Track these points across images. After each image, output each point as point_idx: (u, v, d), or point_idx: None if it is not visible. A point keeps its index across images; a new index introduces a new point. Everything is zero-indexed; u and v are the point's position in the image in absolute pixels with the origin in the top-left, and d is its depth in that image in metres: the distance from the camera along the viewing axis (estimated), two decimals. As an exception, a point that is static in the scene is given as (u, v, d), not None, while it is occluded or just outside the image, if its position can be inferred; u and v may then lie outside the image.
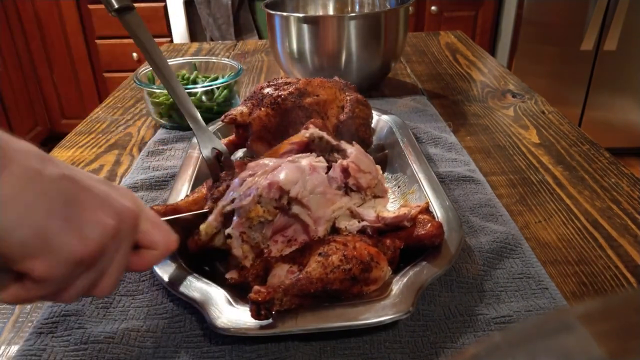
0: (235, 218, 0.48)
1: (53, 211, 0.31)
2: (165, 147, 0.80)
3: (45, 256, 0.31)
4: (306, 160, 0.52)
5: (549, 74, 2.30)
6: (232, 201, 0.48)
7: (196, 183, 0.62)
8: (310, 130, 0.57)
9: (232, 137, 0.72)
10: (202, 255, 0.51)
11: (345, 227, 0.50)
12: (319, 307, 0.43)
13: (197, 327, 0.45)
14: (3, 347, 0.44)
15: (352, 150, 0.55)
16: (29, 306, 0.49)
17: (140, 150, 0.81)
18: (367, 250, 0.45)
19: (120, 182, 0.71)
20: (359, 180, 0.53)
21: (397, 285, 0.44)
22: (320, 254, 0.45)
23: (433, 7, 2.38)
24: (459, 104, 0.97)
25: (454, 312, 0.46)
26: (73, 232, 0.32)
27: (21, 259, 0.30)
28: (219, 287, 0.45)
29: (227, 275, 0.47)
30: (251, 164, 0.54)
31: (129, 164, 0.77)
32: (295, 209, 0.48)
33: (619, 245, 0.56)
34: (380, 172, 0.57)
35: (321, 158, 0.54)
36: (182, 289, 0.45)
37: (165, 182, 0.68)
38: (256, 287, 0.41)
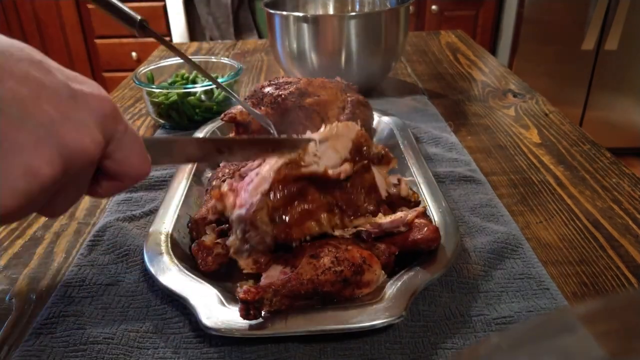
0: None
1: None
2: (165, 147, 0.79)
3: None
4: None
5: (550, 73, 2.30)
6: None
7: (195, 181, 0.62)
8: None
9: (231, 135, 0.72)
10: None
11: (340, 233, 0.48)
12: (311, 309, 0.42)
13: (197, 328, 0.44)
14: (2, 348, 0.44)
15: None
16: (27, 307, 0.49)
17: (140, 150, 0.81)
18: (360, 252, 0.45)
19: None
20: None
21: (391, 289, 0.44)
22: (311, 256, 0.44)
23: (433, 7, 2.38)
24: (459, 103, 0.97)
25: (455, 313, 0.46)
26: None
27: None
28: (211, 287, 0.45)
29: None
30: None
31: (128, 163, 0.77)
32: None
33: (620, 246, 0.56)
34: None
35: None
36: (174, 287, 0.45)
37: (164, 182, 0.68)
38: (246, 287, 0.40)
